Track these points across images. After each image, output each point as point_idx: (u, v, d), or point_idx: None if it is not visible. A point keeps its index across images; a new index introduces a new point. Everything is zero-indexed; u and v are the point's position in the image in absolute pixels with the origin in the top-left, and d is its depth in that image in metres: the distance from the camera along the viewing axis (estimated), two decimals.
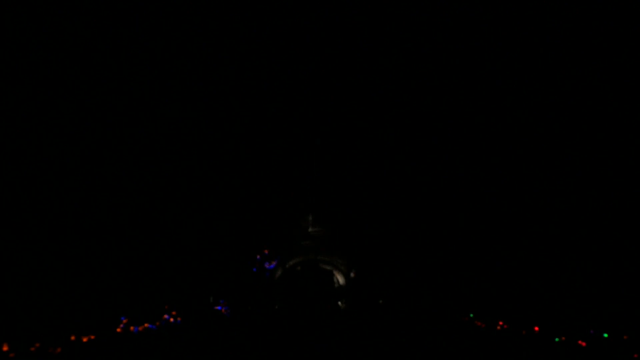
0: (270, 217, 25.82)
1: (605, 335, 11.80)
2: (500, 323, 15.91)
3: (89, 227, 14.21)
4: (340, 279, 34.43)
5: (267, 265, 28.14)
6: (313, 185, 25.44)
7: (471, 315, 19.47)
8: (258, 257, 26.94)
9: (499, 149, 20.49)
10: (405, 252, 27.53)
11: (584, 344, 11.23)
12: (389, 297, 29.23)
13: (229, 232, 23.60)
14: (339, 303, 33.97)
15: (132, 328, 13.00)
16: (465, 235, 23.82)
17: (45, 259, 12.11)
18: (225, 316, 21.98)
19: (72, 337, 10.34)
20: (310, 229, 27.01)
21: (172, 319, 15.87)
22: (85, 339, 10.66)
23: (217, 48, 17.52)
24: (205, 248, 21.49)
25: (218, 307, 21.94)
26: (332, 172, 25.06)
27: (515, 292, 18.55)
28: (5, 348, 9.25)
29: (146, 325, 13.75)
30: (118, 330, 12.53)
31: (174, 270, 18.34)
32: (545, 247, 18.28)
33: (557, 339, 12.36)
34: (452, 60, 19.30)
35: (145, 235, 16.68)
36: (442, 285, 25.09)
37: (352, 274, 30.98)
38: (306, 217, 26.14)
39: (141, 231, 16.36)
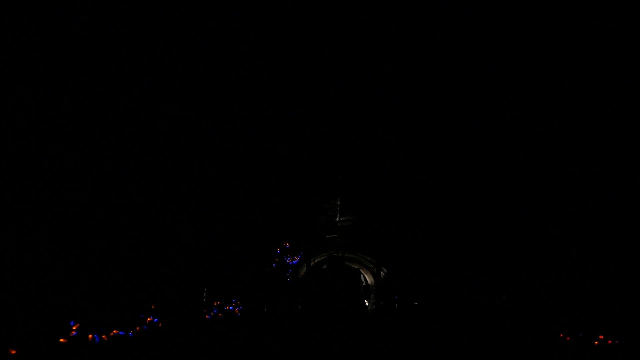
0: (291, 204, 21.71)
1: None
2: (601, 337, 13.07)
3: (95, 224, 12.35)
4: (368, 277, 32.14)
5: (288, 261, 24.70)
6: (343, 169, 21.42)
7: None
8: (278, 250, 23.18)
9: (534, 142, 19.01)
10: (443, 250, 23.96)
11: None
12: (423, 299, 25.53)
13: (241, 220, 19.64)
14: (366, 303, 30.90)
15: (90, 337, 8.90)
16: (511, 231, 21.16)
17: None
18: (237, 317, 18.55)
19: None
20: (338, 219, 22.85)
21: (160, 324, 12.07)
22: None
23: (218, 48, 16.45)
24: (210, 238, 17.73)
25: (230, 307, 18.23)
26: (365, 156, 21.36)
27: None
28: None
29: (115, 332, 9.71)
30: (62, 340, 8.31)
31: (171, 266, 14.72)
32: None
33: None
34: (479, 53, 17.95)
35: (141, 227, 14.12)
36: (485, 289, 22.25)
37: (382, 273, 28.69)
38: (334, 203, 21.85)
39: (139, 224, 14.04)
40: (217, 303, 17.38)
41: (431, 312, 23.81)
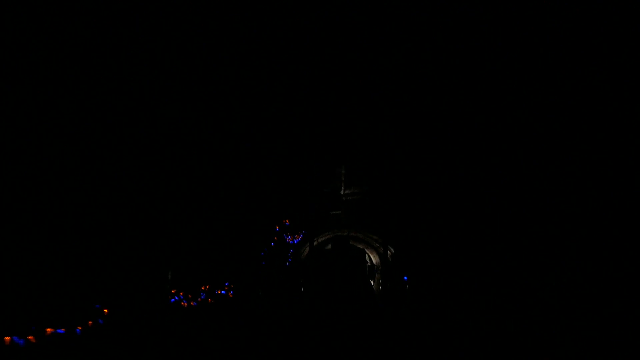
0: (290, 175, 19.08)
1: None
2: None
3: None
4: (374, 257, 29.33)
5: (289, 240, 21.94)
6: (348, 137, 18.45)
7: None
8: (277, 227, 20.68)
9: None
10: (459, 230, 21.51)
11: None
12: (434, 283, 22.47)
13: (235, 195, 17.17)
14: (371, 282, 30.10)
15: (7, 339, 6.67)
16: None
17: None
18: (229, 302, 16.46)
19: None
20: (342, 191, 20.17)
21: (121, 316, 9.82)
22: None
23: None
24: (198, 215, 15.51)
25: (222, 292, 16.24)
26: (372, 124, 18.67)
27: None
28: None
29: (50, 330, 7.46)
30: None
31: (144, 246, 12.75)
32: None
33: None
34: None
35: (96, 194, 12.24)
36: (504, 275, 20.95)
37: (388, 253, 26.01)
38: (338, 172, 19.25)
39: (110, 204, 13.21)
40: (205, 287, 15.62)
41: (440, 296, 22.62)
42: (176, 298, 13.53)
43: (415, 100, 19.62)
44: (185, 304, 13.78)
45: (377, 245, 26.68)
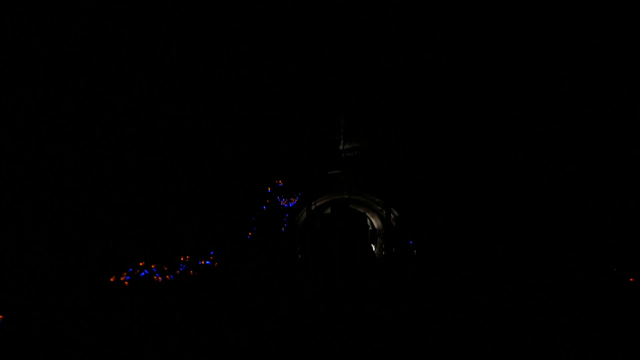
0: (283, 131, 16.17)
1: None
2: None
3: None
4: (375, 221, 27.91)
5: (283, 203, 19.42)
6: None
7: None
8: (268, 189, 17.96)
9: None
10: (466, 192, 19.83)
11: None
12: (439, 246, 20.53)
13: (218, 151, 14.85)
14: (373, 247, 28.29)
15: None
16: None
17: None
18: (216, 273, 14.23)
19: None
20: (341, 147, 17.26)
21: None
22: None
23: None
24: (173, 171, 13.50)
25: (206, 262, 13.91)
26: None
27: None
28: None
29: None
30: None
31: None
32: None
33: None
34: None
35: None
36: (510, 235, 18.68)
37: (392, 216, 24.01)
38: (336, 123, 16.00)
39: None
40: (185, 258, 13.53)
41: (444, 261, 20.60)
42: (146, 272, 11.71)
43: (422, 53, 18.36)
44: (160, 278, 12.00)
45: (379, 208, 25.26)
